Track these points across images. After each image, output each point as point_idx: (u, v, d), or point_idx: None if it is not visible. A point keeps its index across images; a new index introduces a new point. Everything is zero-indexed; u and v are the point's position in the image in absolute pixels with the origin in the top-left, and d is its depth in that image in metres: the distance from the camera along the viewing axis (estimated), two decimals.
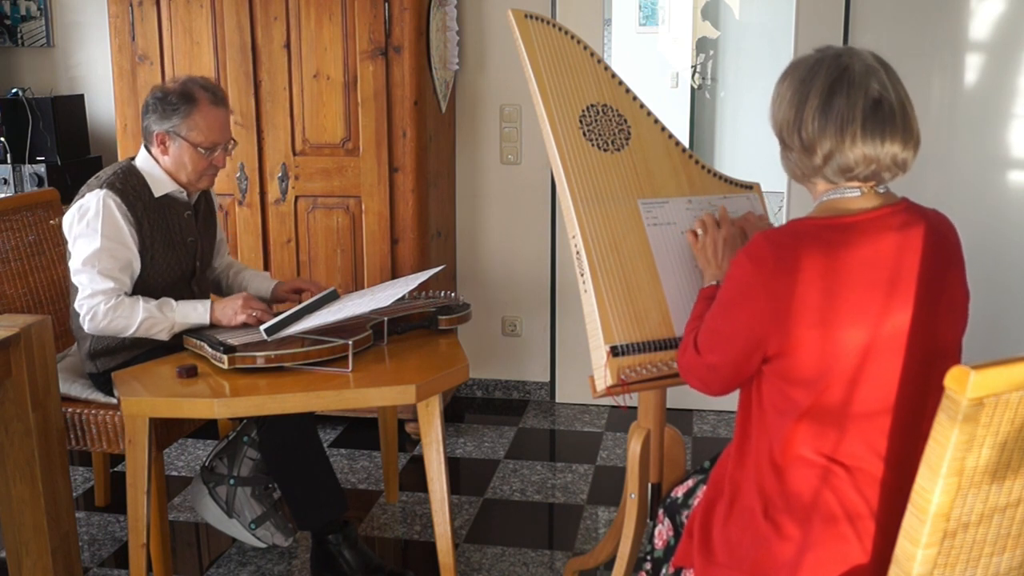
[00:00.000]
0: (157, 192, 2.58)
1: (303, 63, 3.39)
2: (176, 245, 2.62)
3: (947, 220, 1.69)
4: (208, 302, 2.55)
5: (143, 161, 2.61)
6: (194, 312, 2.53)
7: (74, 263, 2.51)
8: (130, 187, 2.54)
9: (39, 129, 3.88)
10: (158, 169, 2.60)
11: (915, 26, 3.55)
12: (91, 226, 2.48)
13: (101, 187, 2.51)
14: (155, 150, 2.59)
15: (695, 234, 2.01)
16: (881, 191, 1.63)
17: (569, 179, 2.05)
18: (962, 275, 1.66)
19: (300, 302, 2.69)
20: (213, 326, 2.55)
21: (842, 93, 1.56)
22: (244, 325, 2.53)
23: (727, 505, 1.69)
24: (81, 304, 2.49)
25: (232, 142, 2.66)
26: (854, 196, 1.61)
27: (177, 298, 2.57)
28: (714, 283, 1.91)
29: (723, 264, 1.93)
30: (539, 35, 2.14)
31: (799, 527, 1.58)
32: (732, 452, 1.72)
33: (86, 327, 2.49)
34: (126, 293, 2.51)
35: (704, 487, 1.85)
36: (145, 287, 2.57)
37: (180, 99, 2.54)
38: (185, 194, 2.64)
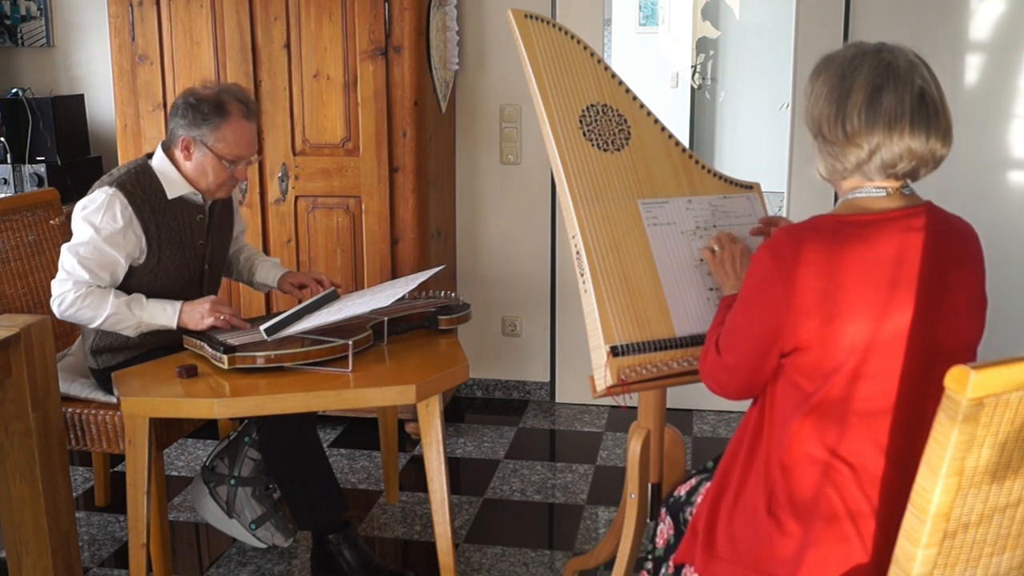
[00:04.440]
0: (171, 194, 2.57)
1: (303, 63, 3.39)
2: (185, 248, 2.62)
3: (969, 227, 1.68)
4: (178, 304, 2.52)
5: (159, 161, 2.60)
6: (163, 314, 2.51)
7: (64, 246, 2.51)
8: (140, 188, 2.53)
9: (39, 129, 3.88)
10: (175, 171, 2.58)
11: (915, 26, 3.55)
12: (90, 218, 2.48)
13: (112, 184, 2.51)
14: (178, 153, 2.57)
15: (711, 251, 2.01)
16: (906, 192, 1.63)
17: (569, 179, 2.05)
18: (972, 279, 1.65)
19: (301, 299, 2.69)
20: (180, 329, 2.52)
21: (889, 87, 1.55)
22: (212, 328, 2.52)
23: (732, 500, 1.69)
24: (53, 286, 2.49)
25: (256, 156, 2.64)
26: (878, 196, 1.62)
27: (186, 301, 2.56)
28: (734, 293, 1.90)
29: (741, 275, 1.92)
30: (539, 35, 2.14)
31: (801, 524, 1.59)
32: (743, 447, 1.71)
33: (54, 310, 2.49)
34: (99, 287, 2.50)
35: (707, 484, 1.85)
36: (151, 289, 2.56)
37: (212, 110, 2.52)
38: (200, 197, 2.63)
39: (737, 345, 1.68)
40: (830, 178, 1.69)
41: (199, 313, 2.51)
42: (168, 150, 2.60)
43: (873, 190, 1.62)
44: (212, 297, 2.57)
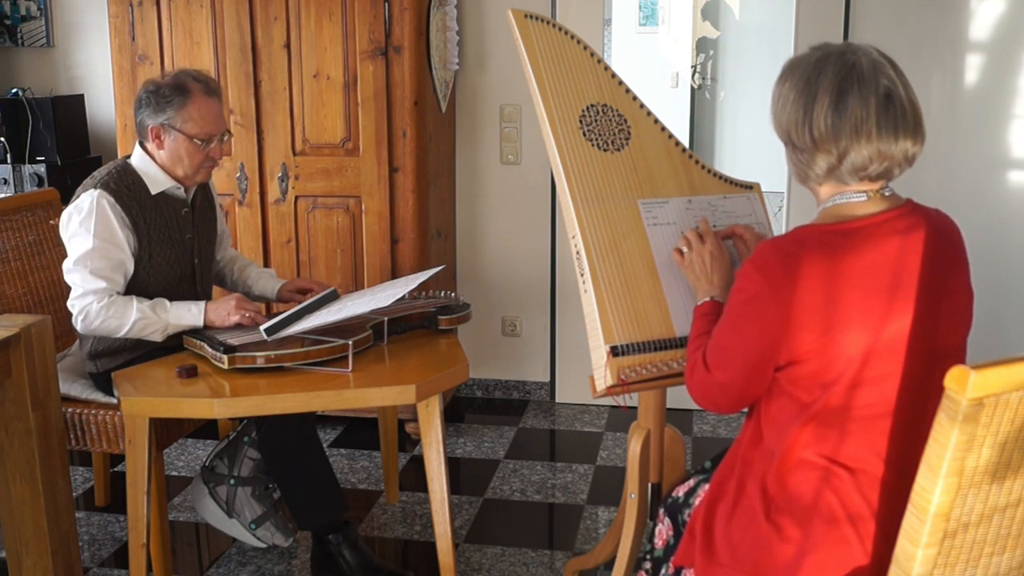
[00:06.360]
0: (153, 190, 2.57)
1: (303, 63, 3.39)
2: (174, 243, 2.62)
3: (950, 221, 1.68)
4: (202, 304, 2.54)
5: (138, 159, 2.60)
6: (188, 313, 2.52)
7: (67, 263, 2.51)
8: (124, 186, 2.53)
9: (39, 129, 3.89)
10: (154, 166, 2.58)
11: (915, 26, 3.55)
12: (84, 226, 2.47)
13: (96, 187, 2.50)
14: (150, 145, 2.58)
15: (680, 252, 1.98)
16: (887, 194, 1.62)
17: (569, 179, 2.05)
18: (965, 277, 1.65)
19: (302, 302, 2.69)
20: (207, 328, 2.54)
21: (853, 91, 1.54)
22: (238, 326, 2.52)
23: (730, 505, 1.69)
24: (73, 304, 2.48)
25: (227, 133, 2.65)
26: (860, 201, 1.60)
27: (179, 299, 2.56)
28: (707, 299, 1.88)
29: (713, 278, 1.90)
30: (539, 35, 2.14)
31: (800, 529, 1.58)
32: (741, 453, 1.71)
33: (79, 327, 2.49)
34: (118, 293, 2.50)
35: (706, 486, 1.85)
36: (146, 288, 2.56)
37: (173, 91, 2.52)
38: (182, 190, 2.63)
39: (728, 363, 1.65)
40: (805, 184, 1.67)
41: (225, 311, 2.52)
42: (143, 146, 2.60)
43: (853, 195, 1.60)
44: (237, 295, 2.59)
